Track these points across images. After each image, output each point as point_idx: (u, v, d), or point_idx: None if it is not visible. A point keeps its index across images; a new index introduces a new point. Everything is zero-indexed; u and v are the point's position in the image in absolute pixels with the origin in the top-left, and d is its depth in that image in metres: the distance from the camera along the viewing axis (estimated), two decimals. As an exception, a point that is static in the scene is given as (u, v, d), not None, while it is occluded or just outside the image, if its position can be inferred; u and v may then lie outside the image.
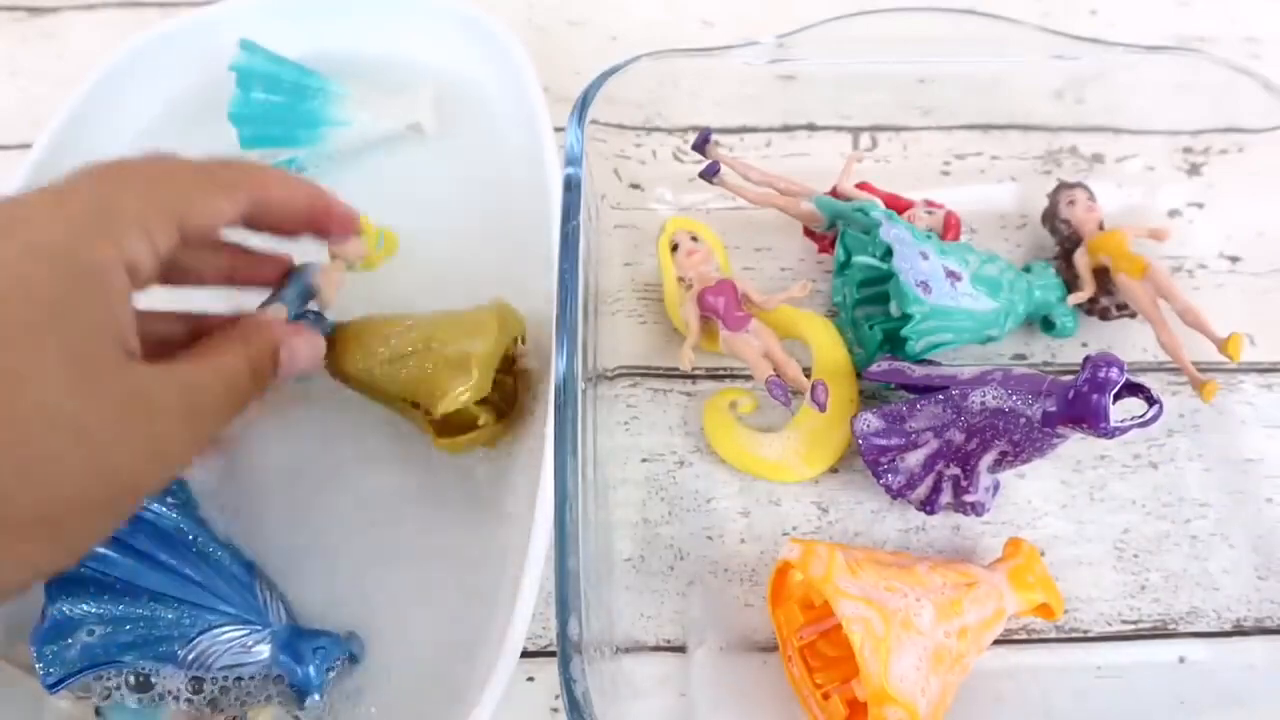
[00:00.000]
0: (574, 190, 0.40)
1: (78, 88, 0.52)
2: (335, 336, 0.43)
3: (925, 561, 0.39)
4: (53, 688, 0.34)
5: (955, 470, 0.42)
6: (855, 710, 0.38)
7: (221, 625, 0.37)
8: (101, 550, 0.37)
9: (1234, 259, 0.52)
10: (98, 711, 0.37)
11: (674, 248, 0.49)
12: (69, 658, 0.34)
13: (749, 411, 0.46)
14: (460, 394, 0.39)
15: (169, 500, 0.39)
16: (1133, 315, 0.48)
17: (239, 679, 0.38)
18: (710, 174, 0.45)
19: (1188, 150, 0.55)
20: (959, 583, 0.38)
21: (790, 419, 0.46)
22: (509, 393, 0.45)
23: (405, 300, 0.46)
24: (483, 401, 0.42)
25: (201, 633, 0.37)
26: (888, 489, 0.42)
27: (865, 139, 0.56)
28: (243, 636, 0.37)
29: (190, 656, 0.36)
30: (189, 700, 0.36)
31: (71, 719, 0.37)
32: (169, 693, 0.36)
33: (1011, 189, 0.54)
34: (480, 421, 0.43)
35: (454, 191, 0.53)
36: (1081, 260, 0.49)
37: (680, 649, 0.41)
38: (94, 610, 0.35)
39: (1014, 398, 0.39)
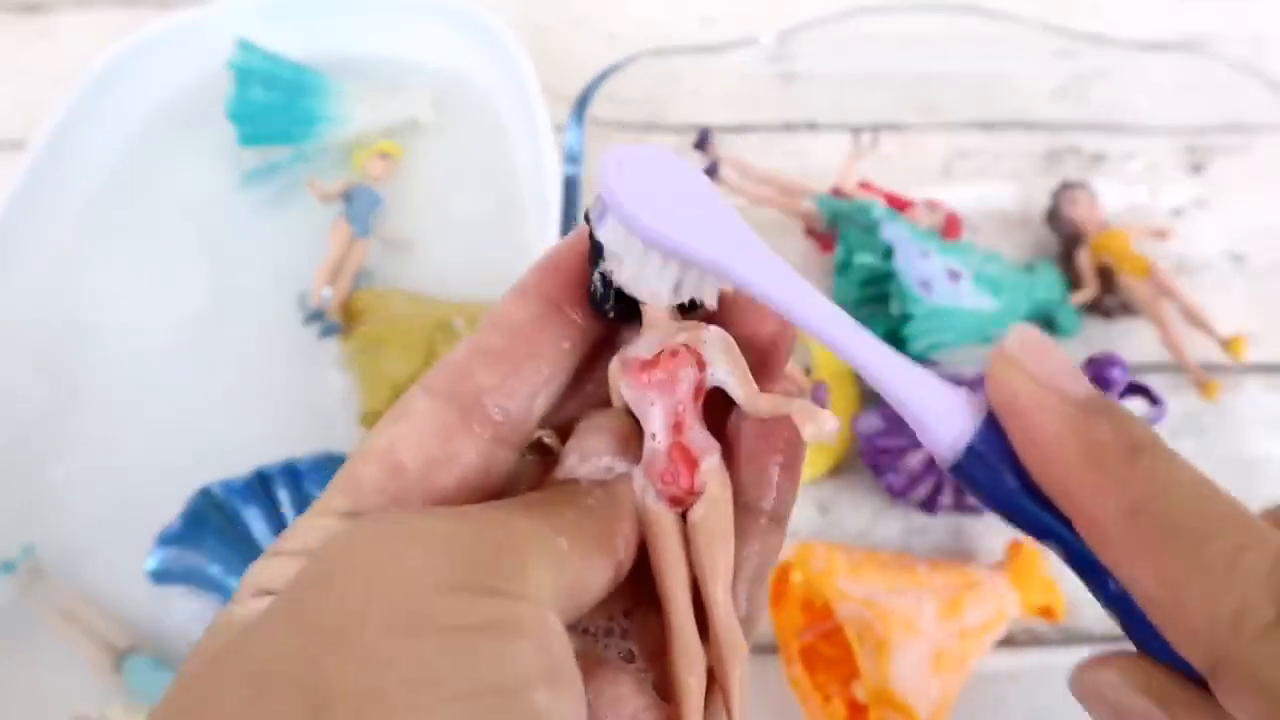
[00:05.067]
0: (574, 189, 0.40)
1: (74, 86, 0.52)
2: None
3: (926, 562, 0.39)
4: (155, 578, 0.39)
5: (957, 471, 0.41)
6: (856, 712, 0.37)
7: None
8: (253, 504, 0.39)
9: (1238, 257, 0.52)
10: (117, 666, 0.39)
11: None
12: (176, 566, 0.39)
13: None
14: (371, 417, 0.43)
15: None
16: (1136, 315, 0.48)
17: None
18: (710, 173, 0.45)
19: (1191, 148, 0.55)
20: (960, 584, 0.38)
21: (791, 419, 0.45)
22: None
23: (404, 299, 0.46)
24: None
25: None
26: (889, 489, 0.42)
27: (866, 138, 0.55)
28: None
29: None
30: None
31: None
32: None
33: (1013, 188, 0.54)
34: None
35: (454, 189, 0.53)
36: (1084, 260, 0.48)
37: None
38: (216, 545, 0.39)
39: (1016, 398, 0.39)
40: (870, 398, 0.46)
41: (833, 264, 0.48)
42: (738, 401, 0.18)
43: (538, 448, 0.19)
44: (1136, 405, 0.36)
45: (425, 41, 0.56)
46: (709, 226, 0.17)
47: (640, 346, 0.19)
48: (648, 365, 0.18)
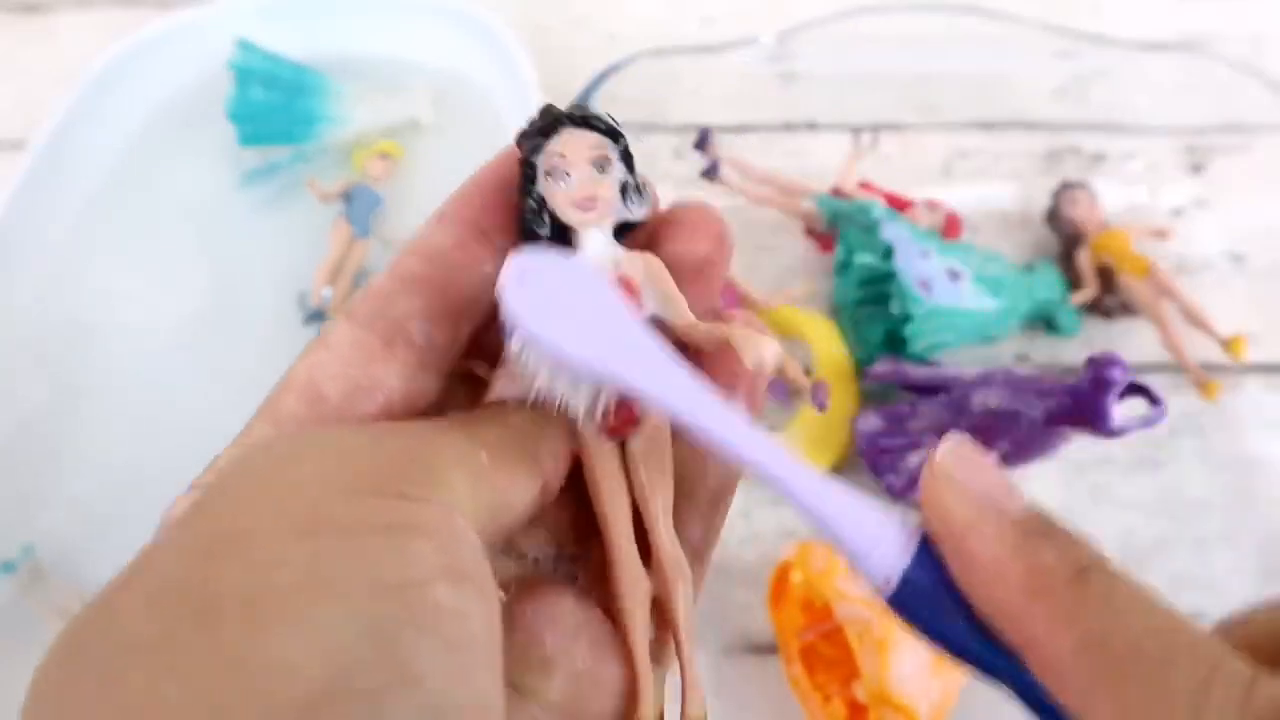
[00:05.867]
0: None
1: (74, 86, 0.52)
2: None
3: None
4: None
5: (957, 471, 0.41)
6: (856, 712, 0.37)
7: None
8: None
9: (1238, 257, 0.52)
10: None
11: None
12: None
13: (749, 411, 0.46)
14: None
15: None
16: (1136, 315, 0.48)
17: None
18: (711, 173, 0.45)
19: (1191, 148, 0.55)
20: (960, 584, 0.38)
21: (790, 419, 0.45)
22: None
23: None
24: None
25: None
26: (889, 489, 0.42)
27: (866, 138, 0.55)
28: None
29: None
30: None
31: None
32: None
33: (1013, 188, 0.54)
34: None
35: (454, 189, 0.53)
36: (1084, 260, 0.48)
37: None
38: None
39: (1016, 398, 0.39)
40: (870, 397, 0.46)
41: (833, 264, 0.48)
42: (674, 330, 0.18)
43: (469, 378, 0.19)
44: (1136, 405, 0.36)
45: (425, 41, 0.56)
46: (611, 338, 0.17)
47: None
48: None
